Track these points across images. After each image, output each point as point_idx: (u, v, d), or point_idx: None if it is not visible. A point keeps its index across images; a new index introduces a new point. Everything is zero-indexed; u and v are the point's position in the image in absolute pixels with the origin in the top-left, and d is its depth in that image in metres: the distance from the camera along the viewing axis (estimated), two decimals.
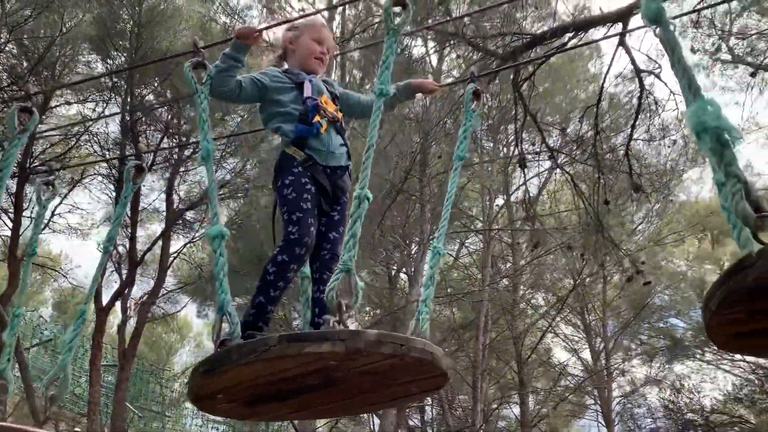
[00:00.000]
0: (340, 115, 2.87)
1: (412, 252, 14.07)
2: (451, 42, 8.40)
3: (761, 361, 16.48)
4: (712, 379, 18.67)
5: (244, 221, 13.44)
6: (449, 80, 13.04)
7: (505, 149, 15.02)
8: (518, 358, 14.97)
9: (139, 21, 11.89)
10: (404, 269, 14.42)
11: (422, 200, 13.25)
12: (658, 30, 1.98)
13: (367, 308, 14.89)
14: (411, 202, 13.73)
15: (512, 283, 15.35)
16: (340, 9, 12.48)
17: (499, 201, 15.94)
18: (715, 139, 1.66)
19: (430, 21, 7.51)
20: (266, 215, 12.48)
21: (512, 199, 15.50)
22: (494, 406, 16.80)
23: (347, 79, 12.53)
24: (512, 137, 11.85)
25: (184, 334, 25.77)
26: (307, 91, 2.80)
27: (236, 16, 12.48)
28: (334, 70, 11.60)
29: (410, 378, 2.18)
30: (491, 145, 14.76)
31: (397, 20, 2.37)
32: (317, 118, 2.73)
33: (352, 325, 2.09)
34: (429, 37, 9.71)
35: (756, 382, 17.77)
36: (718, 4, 7.47)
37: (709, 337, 1.88)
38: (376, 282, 14.86)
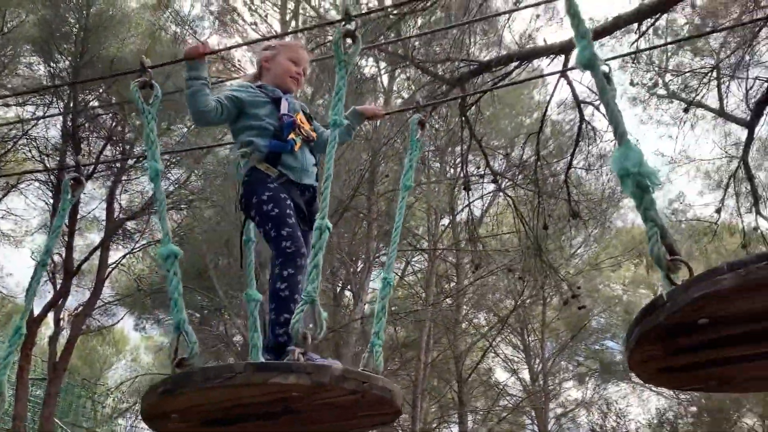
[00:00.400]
0: (314, 134, 2.90)
1: (358, 269, 14.09)
2: (402, 64, 8.54)
3: None
4: (644, 401, 19.32)
5: (186, 234, 13.21)
6: (399, 101, 13.24)
7: (451, 170, 15.26)
8: (459, 378, 15.11)
9: (86, 25, 11.63)
10: (349, 286, 14.42)
11: (369, 218, 13.32)
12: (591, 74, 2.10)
13: (310, 325, 14.78)
14: (358, 219, 13.78)
15: (455, 302, 15.52)
16: (292, 23, 12.52)
17: (445, 221, 16.17)
18: (636, 185, 1.76)
19: (382, 38, 7.62)
20: (209, 228, 12.32)
21: (458, 219, 15.74)
22: (434, 425, 16.88)
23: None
24: (459, 159, 12.07)
25: (120, 347, 24.95)
26: (284, 108, 2.81)
27: (187, 27, 12.35)
28: None
29: (367, 413, 2.24)
30: (438, 166, 14.98)
31: (349, 51, 2.39)
32: (292, 135, 2.74)
33: (325, 361, 2.17)
34: (381, 57, 9.84)
35: (678, 405, 18.53)
36: (655, 47, 7.87)
37: (632, 371, 1.98)
38: (320, 299, 14.77)
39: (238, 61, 12.48)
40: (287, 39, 3.26)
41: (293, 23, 12.53)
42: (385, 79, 13.16)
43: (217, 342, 14.11)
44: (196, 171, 13.01)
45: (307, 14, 12.27)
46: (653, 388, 18.61)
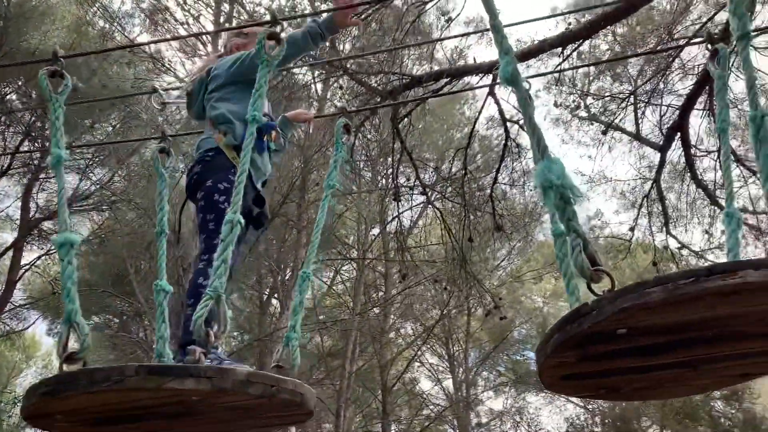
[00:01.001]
0: (279, 141, 2.91)
1: (286, 277, 13.98)
2: (335, 74, 8.61)
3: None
4: (559, 410, 19.99)
5: (107, 236, 12.75)
6: (333, 109, 13.26)
7: (383, 180, 15.39)
8: (383, 387, 15.19)
9: (6, 14, 11.09)
10: (276, 295, 14.27)
11: (299, 226, 13.25)
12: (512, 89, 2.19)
13: (235, 333, 14.55)
14: (288, 227, 13.68)
15: (382, 312, 15.62)
16: (225, 25, 12.35)
17: (375, 231, 16.26)
18: (559, 196, 1.85)
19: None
20: (131, 231, 11.93)
21: (388, 229, 15.86)
22: None
23: None
24: (390, 170, 12.22)
25: (30, 353, 23.67)
26: (266, 108, 2.78)
27: (115, 23, 11.97)
28: None
29: (275, 414, 2.16)
30: (370, 175, 15.10)
31: (273, 52, 2.42)
32: (266, 137, 2.73)
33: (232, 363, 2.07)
34: (314, 65, 9.86)
35: (586, 413, 19.33)
36: (576, 68, 8.25)
37: (540, 378, 2.07)
38: (246, 306, 14.57)
39: (169, 61, 12.21)
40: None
41: (227, 25, 12.35)
42: (318, 86, 13.17)
43: (136, 348, 13.64)
44: (119, 172, 12.60)
45: (242, 18, 12.15)
46: (567, 398, 19.32)
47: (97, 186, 12.84)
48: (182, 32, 12.22)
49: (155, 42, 11.79)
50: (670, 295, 1.52)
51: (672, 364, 1.93)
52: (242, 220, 2.17)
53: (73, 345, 2.09)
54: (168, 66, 11.88)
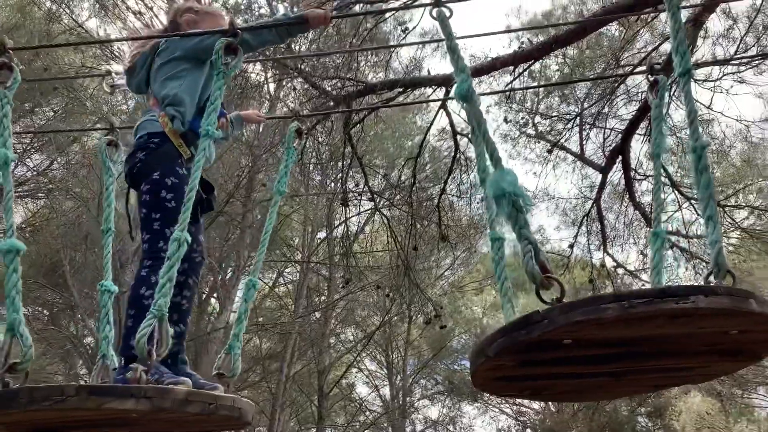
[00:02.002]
0: (227, 130, 2.87)
1: (227, 277, 13.75)
2: (289, 76, 8.56)
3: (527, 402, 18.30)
4: (494, 420, 20.35)
5: (41, 224, 12.27)
6: (285, 110, 13.15)
7: (333, 184, 15.31)
8: (320, 392, 15.11)
9: None
10: (216, 294, 14.02)
11: (243, 225, 13.06)
12: (466, 105, 2.25)
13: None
14: (232, 225, 13.48)
15: (323, 316, 15.55)
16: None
17: (322, 235, 16.18)
18: (511, 205, 1.90)
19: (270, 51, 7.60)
20: (66, 222, 11.52)
21: (334, 233, 15.79)
22: None
23: None
24: (340, 174, 12.18)
25: None
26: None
27: (63, 5, 11.55)
28: None
29: (216, 425, 2.23)
30: (319, 178, 15.03)
31: (230, 63, 2.36)
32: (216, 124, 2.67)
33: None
34: (269, 66, 9.77)
35: (517, 423, 19.79)
36: (527, 88, 8.48)
37: (472, 379, 2.10)
38: None
39: (118, 48, 11.84)
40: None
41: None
42: (272, 86, 13.04)
43: (66, 342, 13.15)
44: (59, 159, 12.15)
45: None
46: (501, 409, 19.68)
47: (34, 173, 12.35)
48: (133, 20, 11.89)
49: (127, 39, 11.45)
50: (625, 313, 1.58)
51: (601, 373, 2.01)
52: (189, 238, 2.12)
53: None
54: (117, 54, 11.53)
